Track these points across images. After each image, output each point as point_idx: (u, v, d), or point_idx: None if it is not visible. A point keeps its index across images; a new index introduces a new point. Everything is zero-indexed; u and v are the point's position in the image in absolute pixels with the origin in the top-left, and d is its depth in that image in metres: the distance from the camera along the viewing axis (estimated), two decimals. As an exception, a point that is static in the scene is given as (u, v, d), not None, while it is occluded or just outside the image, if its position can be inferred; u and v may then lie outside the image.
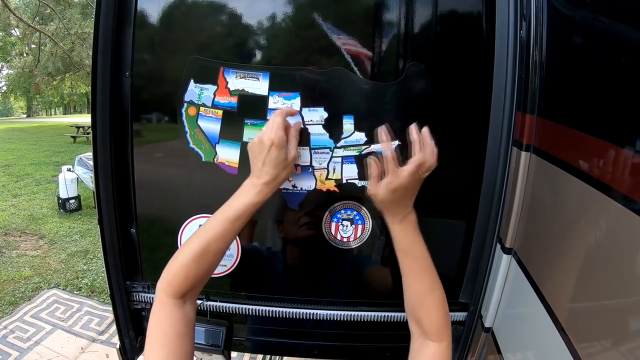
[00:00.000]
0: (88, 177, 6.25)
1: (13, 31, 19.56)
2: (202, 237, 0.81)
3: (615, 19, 0.67)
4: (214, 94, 0.92)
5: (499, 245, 0.95)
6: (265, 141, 0.81)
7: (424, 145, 0.82)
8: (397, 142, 0.89)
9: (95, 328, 3.49)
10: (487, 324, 0.99)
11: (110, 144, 0.97)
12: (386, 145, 0.85)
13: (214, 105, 0.93)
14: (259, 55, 0.95)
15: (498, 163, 0.93)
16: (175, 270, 0.81)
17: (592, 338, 0.66)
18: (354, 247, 1.01)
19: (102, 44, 0.92)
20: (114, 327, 3.49)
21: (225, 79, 0.92)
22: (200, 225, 0.97)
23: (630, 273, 0.58)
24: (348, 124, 0.91)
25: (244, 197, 0.83)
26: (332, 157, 0.93)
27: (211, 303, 1.08)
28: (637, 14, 0.61)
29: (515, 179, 0.89)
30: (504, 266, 0.93)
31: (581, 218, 0.72)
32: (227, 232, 0.82)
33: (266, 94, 0.92)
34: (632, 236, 0.58)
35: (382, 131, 0.84)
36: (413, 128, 0.82)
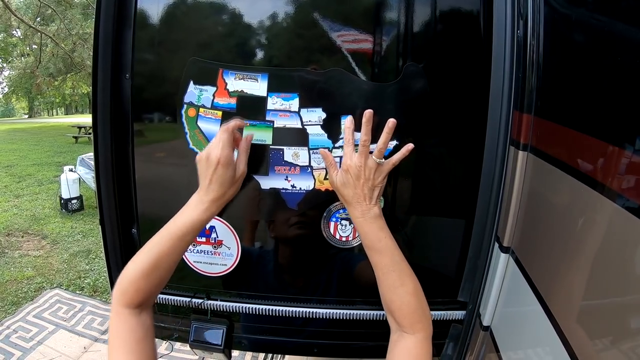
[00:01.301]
0: (90, 177, 6.27)
1: (14, 32, 19.61)
2: (150, 254, 0.82)
3: (611, 18, 0.67)
4: (213, 95, 0.93)
5: (496, 244, 0.95)
6: (212, 159, 0.81)
7: (382, 133, 0.86)
8: (394, 143, 0.90)
9: (98, 327, 3.50)
10: (485, 323, 0.99)
11: (111, 145, 0.98)
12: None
13: (213, 107, 0.94)
14: (257, 56, 0.96)
15: (496, 162, 0.93)
16: (127, 285, 0.81)
17: (589, 336, 0.66)
18: (353, 245, 1.02)
19: (102, 46, 0.94)
20: (116, 326, 3.52)
21: (224, 80, 0.92)
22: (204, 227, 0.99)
23: (626, 272, 0.59)
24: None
25: (192, 213, 0.83)
26: None
27: (211, 302, 1.09)
28: (633, 13, 0.61)
29: (513, 178, 0.89)
30: (501, 265, 0.94)
31: (577, 217, 0.72)
32: (174, 248, 0.82)
33: (265, 95, 0.92)
34: (627, 235, 0.58)
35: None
36: (388, 123, 0.86)
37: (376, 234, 0.85)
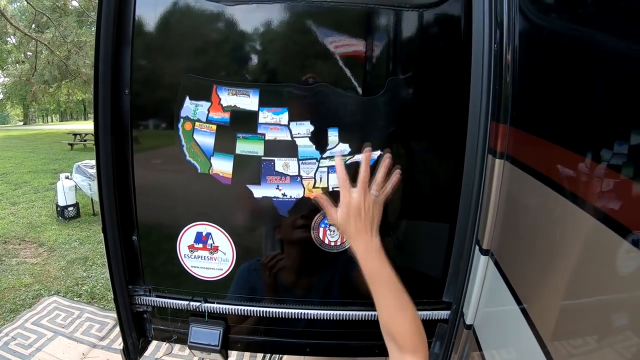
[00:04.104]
0: (86, 185, 6.27)
1: (9, 39, 19.56)
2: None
3: (580, 35, 0.73)
4: (208, 110, 0.99)
5: (477, 247, 1.01)
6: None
7: (379, 168, 0.92)
8: (379, 152, 0.95)
9: (96, 334, 3.51)
10: (468, 322, 1.04)
11: (112, 158, 1.03)
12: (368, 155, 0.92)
13: (208, 121, 0.99)
14: (249, 72, 1.01)
15: (475, 170, 0.98)
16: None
17: (561, 334, 0.71)
18: (341, 250, 1.07)
19: (102, 64, 0.98)
20: (115, 332, 3.53)
21: (218, 95, 0.98)
22: (201, 234, 1.05)
23: (593, 274, 0.64)
24: (333, 136, 0.98)
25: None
26: (318, 167, 1.00)
27: (209, 305, 1.14)
28: (601, 30, 0.66)
29: (491, 185, 0.94)
30: (482, 266, 0.99)
31: (549, 222, 0.78)
32: None
33: (256, 109, 0.98)
34: (593, 240, 0.64)
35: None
36: (385, 159, 0.93)
37: (377, 265, 0.90)
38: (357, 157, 0.93)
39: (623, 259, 0.57)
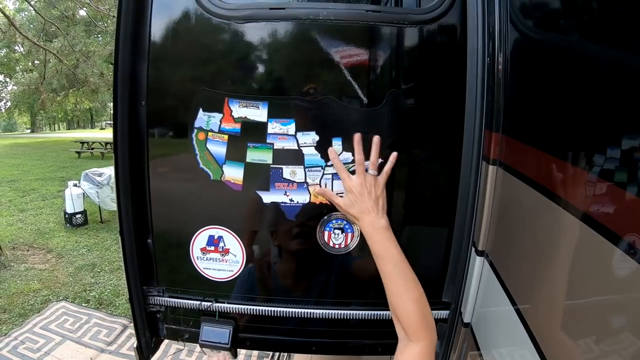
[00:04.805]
0: (94, 192, 6.35)
1: (17, 47, 19.81)
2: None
3: (567, 48, 0.78)
4: (220, 121, 1.05)
5: (473, 248, 1.06)
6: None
7: (372, 150, 0.98)
8: (380, 160, 1.01)
9: (104, 339, 3.57)
10: (466, 320, 1.09)
11: (129, 166, 1.09)
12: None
13: (221, 131, 1.05)
14: (258, 86, 1.08)
15: (470, 176, 1.04)
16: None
17: (551, 330, 0.75)
18: (345, 252, 1.13)
19: (120, 80, 1.05)
20: (122, 338, 3.59)
21: (229, 107, 1.04)
22: (213, 237, 1.10)
23: (580, 275, 0.69)
24: (337, 145, 1.04)
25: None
26: (323, 174, 1.06)
27: (219, 305, 1.19)
28: (588, 43, 0.72)
29: (485, 190, 1.00)
30: (477, 267, 1.04)
31: (539, 225, 0.83)
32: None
33: (265, 120, 1.04)
34: (578, 240, 0.69)
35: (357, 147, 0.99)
36: (375, 139, 0.99)
37: (383, 243, 0.94)
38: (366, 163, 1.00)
39: (608, 261, 0.60)
